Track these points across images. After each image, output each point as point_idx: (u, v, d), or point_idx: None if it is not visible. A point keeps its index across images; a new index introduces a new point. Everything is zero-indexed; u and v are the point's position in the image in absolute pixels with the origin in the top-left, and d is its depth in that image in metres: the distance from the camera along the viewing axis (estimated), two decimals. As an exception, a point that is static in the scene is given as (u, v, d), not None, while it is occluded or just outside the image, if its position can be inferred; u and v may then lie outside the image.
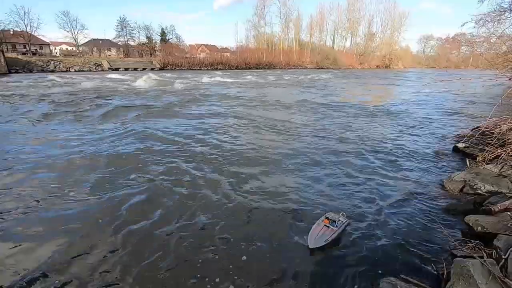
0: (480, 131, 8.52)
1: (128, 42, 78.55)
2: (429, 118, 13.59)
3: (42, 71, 46.95)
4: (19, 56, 49.92)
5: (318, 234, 4.13)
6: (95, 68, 54.57)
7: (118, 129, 10.46)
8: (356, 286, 3.48)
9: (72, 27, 66.82)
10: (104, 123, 11.60)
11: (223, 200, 5.46)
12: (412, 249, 4.08)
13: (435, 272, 3.58)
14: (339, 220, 4.36)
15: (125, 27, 76.76)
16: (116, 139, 9.30)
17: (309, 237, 4.10)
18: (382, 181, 6.51)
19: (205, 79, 36.04)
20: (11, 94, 18.85)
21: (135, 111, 13.99)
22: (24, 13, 60.38)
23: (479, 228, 4.01)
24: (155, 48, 77.66)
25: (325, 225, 4.28)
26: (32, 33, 62.75)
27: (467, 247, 3.56)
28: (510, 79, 8.88)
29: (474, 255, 3.33)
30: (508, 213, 3.99)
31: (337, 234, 4.20)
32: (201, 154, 7.95)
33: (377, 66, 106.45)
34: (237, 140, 9.35)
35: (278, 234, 4.44)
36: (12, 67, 43.53)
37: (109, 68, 54.45)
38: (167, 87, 25.95)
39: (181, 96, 20.33)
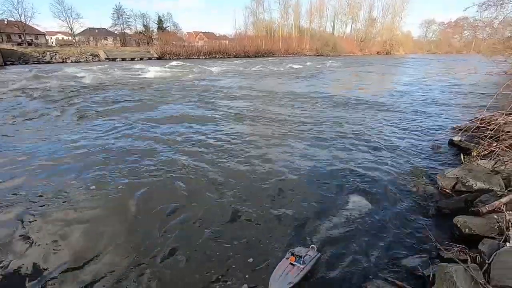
0: (476, 124, 8.48)
1: (125, 30, 77.20)
2: (426, 110, 13.51)
3: (38, 62, 46.35)
4: (15, 47, 49.17)
5: (282, 276, 3.52)
6: (92, 58, 53.84)
7: (133, 121, 10.46)
8: (343, 289, 3.57)
9: (67, 16, 65.53)
10: (111, 117, 11.57)
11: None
12: (400, 251, 4.16)
13: (422, 275, 3.65)
14: (307, 255, 3.79)
15: (121, 15, 75.26)
16: (130, 130, 9.35)
17: (270, 280, 3.49)
18: (371, 176, 6.55)
19: (214, 68, 35.66)
20: (11, 89, 18.61)
21: (138, 106, 13.93)
22: (18, 2, 59.17)
23: (467, 230, 4.06)
24: (152, 37, 76.36)
25: (290, 263, 3.68)
26: (27, 23, 61.60)
27: (452, 250, 3.62)
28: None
29: (459, 259, 3.39)
30: (495, 215, 4.02)
31: (305, 272, 3.63)
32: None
33: (377, 52, 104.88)
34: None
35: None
36: (8, 59, 42.96)
37: (106, 59, 53.76)
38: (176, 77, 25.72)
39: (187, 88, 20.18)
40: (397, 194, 5.77)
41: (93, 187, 5.93)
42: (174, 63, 44.08)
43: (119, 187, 5.91)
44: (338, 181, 6.36)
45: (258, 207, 5.26)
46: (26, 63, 44.81)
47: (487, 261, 3.20)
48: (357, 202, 5.48)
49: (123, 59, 54.99)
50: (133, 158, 7.41)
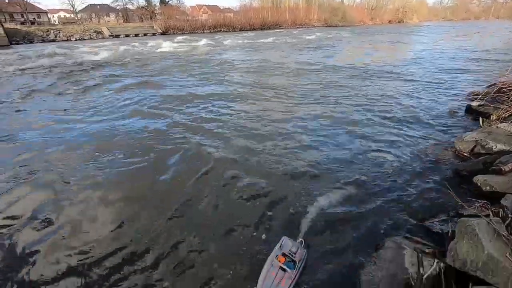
0: (496, 88, 8.15)
1: (127, 6, 75.19)
2: (442, 77, 13.01)
3: (43, 41, 45.92)
4: (18, 26, 48.69)
5: (272, 286, 3.06)
6: (96, 35, 53.01)
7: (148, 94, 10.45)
8: (359, 248, 3.62)
9: (68, -8, 63.99)
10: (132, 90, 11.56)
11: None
12: (418, 210, 4.17)
13: (440, 231, 3.67)
14: (297, 252, 3.37)
15: (122, -11, 72.95)
16: (147, 103, 9.37)
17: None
18: (389, 141, 6.48)
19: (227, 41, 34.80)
20: (22, 68, 18.63)
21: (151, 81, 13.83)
22: (17, -21, 57.76)
23: (487, 187, 4.02)
24: (155, 12, 74.28)
25: (280, 268, 3.20)
26: (28, 1, 60.55)
27: (473, 206, 3.60)
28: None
29: (480, 214, 3.37)
30: (518, 173, 3.95)
31: (297, 279, 3.19)
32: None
33: (389, 21, 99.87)
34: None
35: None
36: (13, 38, 42.66)
37: (109, 35, 52.86)
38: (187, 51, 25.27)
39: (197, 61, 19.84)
40: (414, 158, 5.71)
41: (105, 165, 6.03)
42: (180, 38, 43.12)
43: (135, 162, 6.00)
44: (355, 144, 6.34)
45: (273, 180, 5.28)
46: (31, 42, 44.46)
47: (510, 215, 3.18)
48: (373, 165, 5.46)
49: (127, 35, 53.98)
50: (152, 135, 7.44)
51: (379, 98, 9.90)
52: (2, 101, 10.39)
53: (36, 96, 11.25)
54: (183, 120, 8.03)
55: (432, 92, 10.44)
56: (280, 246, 3.45)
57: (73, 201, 4.64)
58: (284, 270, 3.18)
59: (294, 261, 3.27)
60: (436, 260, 3.14)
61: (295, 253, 3.36)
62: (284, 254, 3.31)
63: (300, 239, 3.69)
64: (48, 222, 4.18)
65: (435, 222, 3.85)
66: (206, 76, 14.37)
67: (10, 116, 8.89)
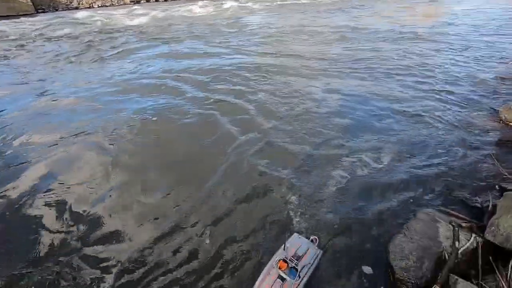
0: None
1: (146, -32, 72.65)
2: (488, 40, 11.60)
3: (67, 8, 46.11)
4: (43, -6, 49.07)
5: None
6: (117, 2, 52.43)
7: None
8: (388, 218, 3.49)
9: (87, -45, 62.47)
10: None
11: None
12: (456, 181, 3.92)
13: (479, 205, 3.44)
14: (306, 256, 2.89)
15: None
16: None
17: None
18: (429, 106, 6.07)
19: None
20: (49, 36, 18.81)
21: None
22: None
23: (538, 160, 3.64)
24: (175, -26, 71.34)
25: (279, 276, 2.74)
26: (50, -33, 60.09)
27: (521, 180, 3.30)
28: None
29: (529, 188, 3.08)
30: None
31: None
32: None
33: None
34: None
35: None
36: (39, 7, 43.27)
37: (131, 1, 52.11)
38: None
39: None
40: (455, 126, 5.30)
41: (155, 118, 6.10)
42: (204, 1, 41.54)
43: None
44: (392, 110, 6.02)
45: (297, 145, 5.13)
46: (56, 10, 44.86)
47: None
48: (411, 132, 5.16)
49: (147, 0, 52.89)
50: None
51: (417, 62, 9.09)
52: (34, 70, 10.64)
53: (63, 65, 11.43)
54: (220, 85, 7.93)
55: (477, 56, 9.42)
56: (285, 248, 2.93)
57: (121, 166, 4.77)
58: (283, 279, 2.71)
59: (296, 269, 2.76)
60: (473, 235, 2.96)
61: (299, 258, 2.87)
62: (285, 260, 2.81)
63: (313, 237, 3.20)
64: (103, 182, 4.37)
65: (473, 195, 3.60)
66: (234, 42, 13.83)
67: (45, 81, 9.12)
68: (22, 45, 14.14)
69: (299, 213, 3.60)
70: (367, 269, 3.00)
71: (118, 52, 13.00)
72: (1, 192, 4.21)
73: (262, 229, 3.45)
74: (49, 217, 3.74)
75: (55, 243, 3.39)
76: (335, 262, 3.10)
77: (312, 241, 3.15)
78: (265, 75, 8.55)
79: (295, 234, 3.17)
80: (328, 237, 3.31)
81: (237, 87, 7.70)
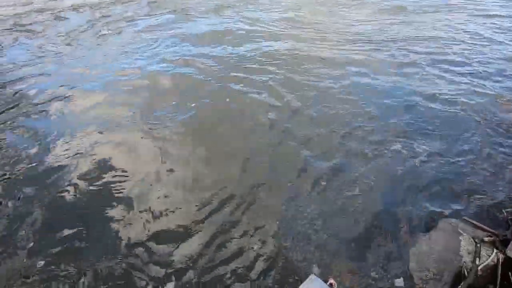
0: None
1: None
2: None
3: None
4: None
5: None
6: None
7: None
8: (410, 224, 3.55)
9: None
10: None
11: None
12: (482, 187, 3.86)
13: (506, 217, 3.43)
14: None
15: None
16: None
17: None
18: (456, 91, 5.89)
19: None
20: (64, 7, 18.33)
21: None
22: None
23: None
24: None
25: None
26: None
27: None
28: None
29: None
30: None
31: None
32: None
33: None
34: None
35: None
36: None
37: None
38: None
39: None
40: (486, 118, 5.12)
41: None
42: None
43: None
44: (413, 93, 5.91)
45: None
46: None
47: None
48: (434, 120, 5.10)
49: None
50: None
51: (446, 39, 8.44)
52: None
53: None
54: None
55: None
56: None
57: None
58: None
59: None
60: (495, 250, 3.03)
61: None
62: None
63: (331, 281, 2.78)
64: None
65: (500, 205, 3.58)
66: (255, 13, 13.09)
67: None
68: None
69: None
70: (399, 282, 3.00)
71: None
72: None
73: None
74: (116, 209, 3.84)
75: (121, 236, 3.48)
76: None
77: (331, 285, 2.77)
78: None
79: (313, 275, 2.75)
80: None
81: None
